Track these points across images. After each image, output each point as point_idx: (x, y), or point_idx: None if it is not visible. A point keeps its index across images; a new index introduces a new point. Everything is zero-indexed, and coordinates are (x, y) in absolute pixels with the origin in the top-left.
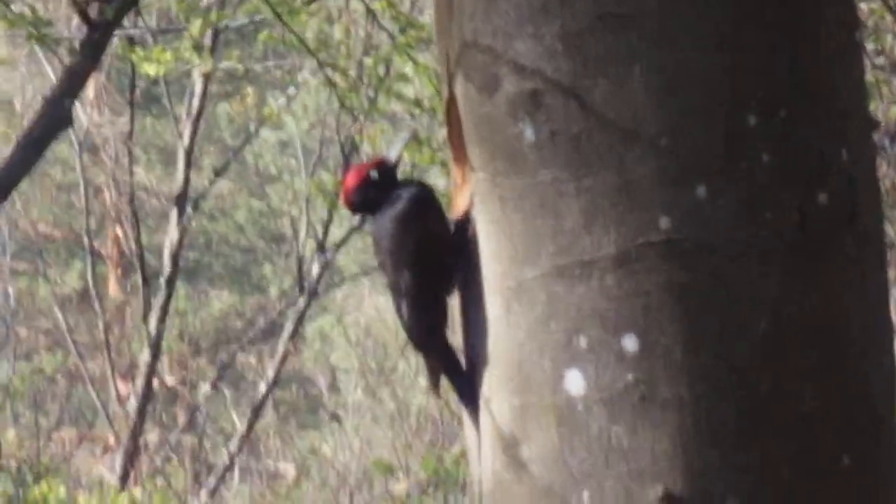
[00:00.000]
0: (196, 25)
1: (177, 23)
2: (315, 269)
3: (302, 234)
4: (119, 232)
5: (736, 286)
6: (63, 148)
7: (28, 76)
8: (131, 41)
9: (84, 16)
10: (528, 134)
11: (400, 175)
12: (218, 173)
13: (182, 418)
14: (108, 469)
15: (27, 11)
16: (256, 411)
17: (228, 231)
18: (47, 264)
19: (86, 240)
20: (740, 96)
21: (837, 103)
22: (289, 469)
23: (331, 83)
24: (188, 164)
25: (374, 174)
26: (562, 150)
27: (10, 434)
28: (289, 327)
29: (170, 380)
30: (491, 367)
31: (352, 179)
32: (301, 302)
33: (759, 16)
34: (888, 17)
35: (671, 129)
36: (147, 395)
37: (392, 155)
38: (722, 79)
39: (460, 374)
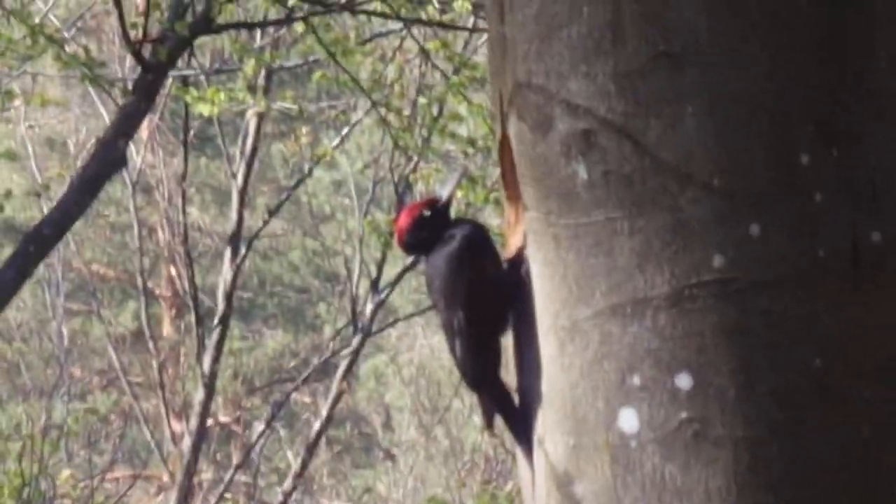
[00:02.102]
0: (250, 66)
1: (230, 63)
2: (369, 309)
3: (355, 273)
4: (173, 272)
5: (789, 323)
6: (117, 188)
7: (82, 117)
8: (185, 82)
9: (138, 57)
10: (582, 174)
11: (453, 214)
12: (272, 213)
13: (236, 457)
14: None
15: (81, 52)
16: (310, 450)
17: (282, 271)
18: (101, 304)
19: (139, 280)
20: (793, 133)
21: (890, 138)
22: None
23: (384, 122)
24: (242, 204)
25: (426, 213)
26: (615, 189)
27: (65, 474)
28: (343, 366)
29: (224, 419)
30: (545, 406)
31: (405, 220)
32: (355, 341)
33: (810, 53)
34: None
35: (724, 168)
36: (201, 434)
37: (444, 194)
38: (774, 117)
39: (514, 414)
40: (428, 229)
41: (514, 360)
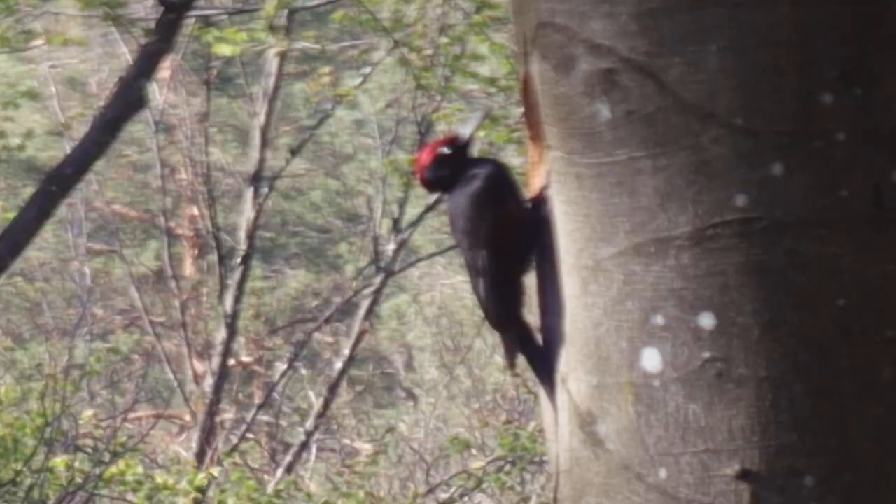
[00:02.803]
0: (271, 5)
1: (251, 3)
2: (391, 248)
3: (377, 213)
4: (195, 211)
5: (812, 263)
6: (138, 128)
7: (103, 57)
8: (206, 22)
9: None
10: (604, 113)
11: (475, 153)
12: (294, 152)
13: (258, 397)
14: (184, 448)
15: None
16: (332, 389)
17: (304, 210)
18: (123, 244)
19: (162, 220)
20: (815, 74)
21: None
22: (365, 447)
23: (406, 62)
24: (264, 144)
25: (446, 150)
26: (637, 129)
27: (87, 413)
28: (365, 306)
29: (246, 359)
30: (568, 345)
31: (425, 156)
32: (377, 281)
33: None
34: None
35: (746, 107)
36: (223, 374)
37: (465, 132)
38: (797, 57)
39: (537, 353)
40: (448, 167)
41: (538, 300)
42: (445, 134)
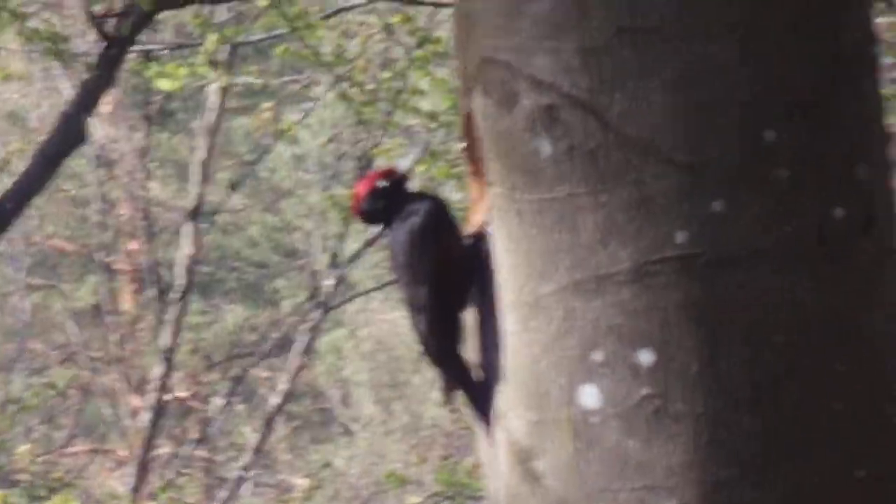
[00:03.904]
0: (212, 40)
1: (193, 38)
2: (329, 283)
3: (316, 248)
4: (134, 246)
5: (754, 299)
6: (79, 163)
7: (44, 91)
8: (147, 57)
9: (101, 31)
10: (546, 149)
11: (415, 188)
12: (233, 187)
13: (195, 432)
14: (120, 483)
15: (43, 27)
16: (268, 424)
17: (242, 246)
18: (62, 279)
19: (100, 254)
20: (760, 110)
21: (857, 117)
22: (301, 483)
23: (347, 97)
24: (204, 179)
25: (382, 183)
26: (579, 164)
27: (24, 448)
28: (302, 341)
29: (182, 394)
30: (506, 381)
31: (361, 188)
32: (314, 316)
33: (778, 32)
34: None
35: (688, 144)
36: (159, 409)
37: (403, 165)
38: (740, 94)
39: (475, 389)
40: (385, 200)
41: (476, 336)
42: (383, 167)
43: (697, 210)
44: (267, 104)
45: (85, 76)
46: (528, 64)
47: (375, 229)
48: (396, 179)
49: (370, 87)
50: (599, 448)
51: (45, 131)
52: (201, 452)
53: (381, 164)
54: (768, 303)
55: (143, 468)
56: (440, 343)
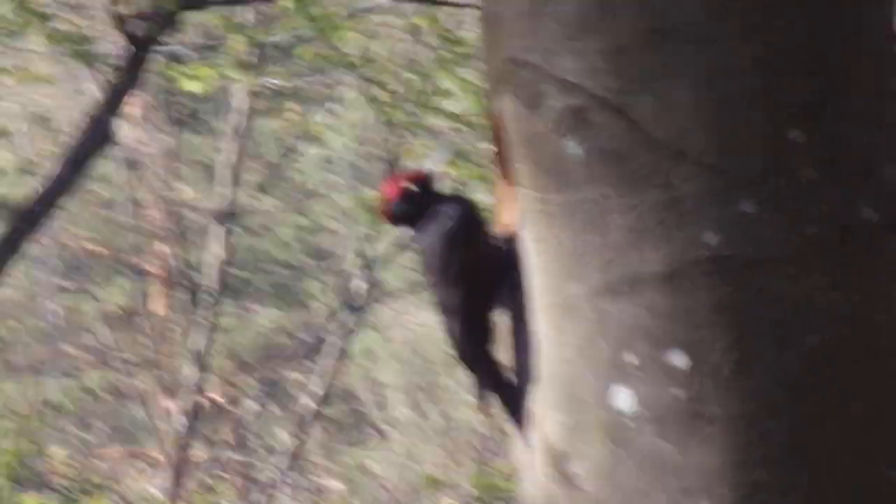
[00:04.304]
0: (237, 42)
1: (219, 40)
2: (362, 286)
3: (345, 249)
4: (163, 248)
5: (783, 301)
6: (106, 165)
7: (70, 94)
8: (173, 58)
9: (125, 33)
10: (574, 150)
11: (444, 190)
12: (262, 189)
13: (229, 435)
14: (156, 487)
15: (69, 28)
16: (303, 427)
17: (272, 247)
18: (92, 281)
19: (130, 257)
20: (784, 111)
21: (882, 118)
22: (336, 485)
23: (373, 99)
24: (232, 181)
25: (412, 186)
26: (608, 166)
27: (59, 452)
28: (334, 343)
29: (216, 396)
30: (539, 384)
31: (389, 190)
32: (347, 319)
33: (803, 32)
34: None
35: (717, 145)
36: (194, 412)
37: (431, 167)
38: (766, 94)
39: (509, 392)
40: (413, 202)
41: (509, 339)
42: (410, 168)
43: (727, 212)
44: (293, 105)
45: (110, 78)
46: (554, 65)
47: (405, 231)
48: (424, 181)
49: (396, 88)
50: (634, 451)
51: (71, 133)
52: (237, 456)
53: (408, 165)
54: (797, 304)
55: (179, 471)
56: (472, 346)
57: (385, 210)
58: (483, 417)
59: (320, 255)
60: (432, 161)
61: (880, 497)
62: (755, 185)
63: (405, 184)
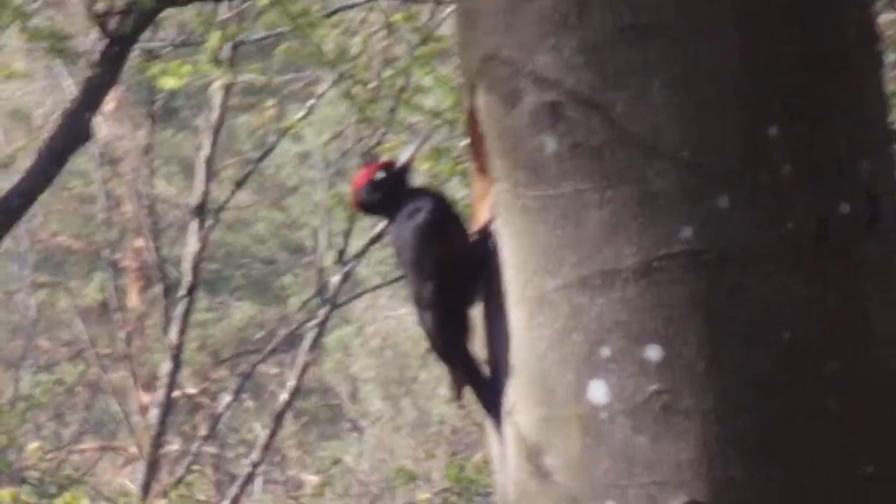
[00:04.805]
0: (215, 38)
1: (196, 36)
2: (335, 280)
3: (322, 245)
4: (139, 244)
5: (757, 296)
6: (82, 160)
7: (48, 89)
8: (150, 54)
9: (103, 29)
10: (550, 145)
11: (420, 185)
12: (239, 184)
13: (204, 429)
14: (130, 480)
15: (46, 25)
16: (277, 421)
17: (249, 242)
18: (68, 276)
19: (106, 252)
20: (761, 107)
21: (859, 114)
22: (311, 479)
23: (350, 95)
24: (208, 176)
25: (381, 174)
26: (583, 161)
27: (33, 446)
28: (310, 338)
29: (191, 390)
30: (514, 377)
31: (360, 179)
32: (321, 312)
33: (780, 27)
34: None
35: (692, 140)
36: (168, 406)
37: (402, 158)
38: (742, 90)
39: (483, 385)
40: (384, 191)
41: (484, 332)
42: (384, 160)
43: (702, 206)
44: (270, 102)
45: (88, 74)
46: (531, 61)
47: (381, 225)
48: (395, 171)
49: (373, 84)
50: (608, 444)
51: (49, 129)
52: (211, 449)
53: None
54: (770, 300)
55: (153, 465)
56: (447, 339)
57: (355, 199)
58: (458, 410)
59: (297, 249)
60: (405, 152)
61: (857, 492)
62: (730, 180)
63: (375, 171)
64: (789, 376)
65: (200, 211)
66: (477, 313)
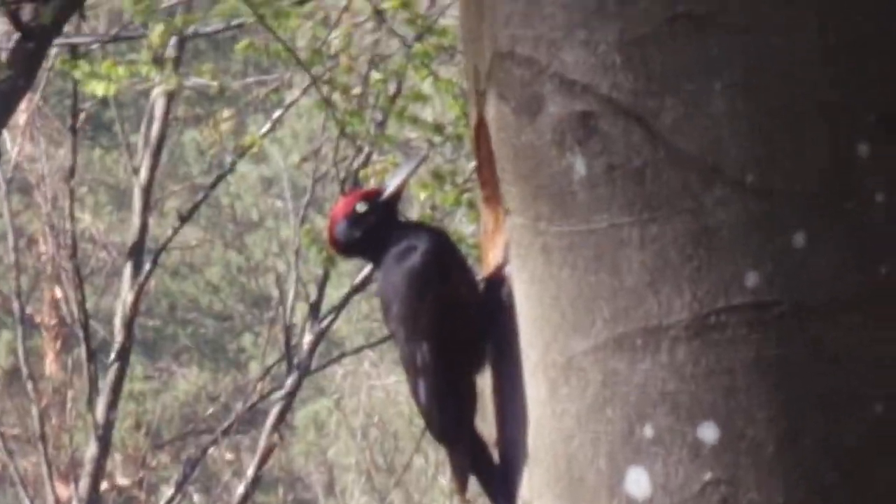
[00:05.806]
0: (157, 32)
1: (133, 29)
2: (307, 340)
3: (290, 295)
4: (58, 293)
5: (844, 358)
6: None
7: None
8: (74, 52)
9: (15, 20)
10: (579, 168)
11: (418, 219)
12: (184, 219)
13: None
14: None
15: None
16: None
17: (198, 292)
18: None
19: (16, 304)
20: (850, 119)
21: None
22: None
23: (327, 104)
24: (146, 208)
25: (364, 206)
26: (622, 188)
27: None
28: (274, 414)
29: (123, 481)
30: (532, 463)
31: (338, 211)
32: (289, 381)
33: (874, 19)
34: None
35: (760, 161)
36: (94, 501)
37: (391, 185)
38: (826, 97)
39: (493, 473)
40: (367, 227)
41: (494, 406)
42: (368, 187)
43: (773, 246)
44: (225, 112)
45: None
46: (555, 59)
47: (365, 270)
48: (383, 202)
49: (357, 90)
50: None
51: None
52: None
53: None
54: (857, 360)
55: None
56: (447, 415)
57: (331, 237)
58: None
59: (257, 301)
60: (395, 178)
61: None
62: (809, 212)
63: (357, 203)
64: (883, 459)
65: (136, 252)
66: (485, 382)
